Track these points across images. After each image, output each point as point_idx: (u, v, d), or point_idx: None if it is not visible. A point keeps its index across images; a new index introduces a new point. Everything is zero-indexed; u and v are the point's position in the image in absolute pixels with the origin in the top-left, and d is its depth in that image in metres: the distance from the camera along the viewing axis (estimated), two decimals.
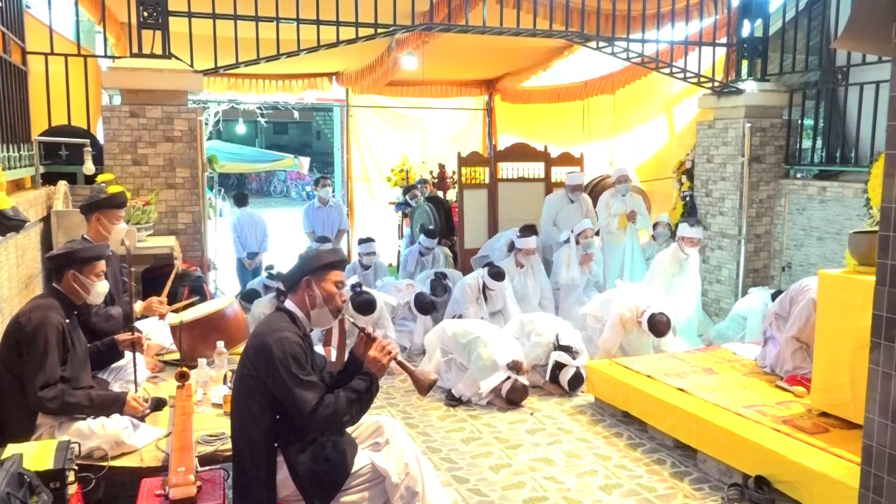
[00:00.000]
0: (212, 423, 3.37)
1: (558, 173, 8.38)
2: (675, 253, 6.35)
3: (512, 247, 6.85)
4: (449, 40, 7.52)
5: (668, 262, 6.32)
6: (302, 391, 2.62)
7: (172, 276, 4.76)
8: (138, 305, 4.28)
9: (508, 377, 5.03)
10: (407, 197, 9.28)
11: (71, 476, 2.50)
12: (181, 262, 5.42)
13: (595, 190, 8.49)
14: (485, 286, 6.30)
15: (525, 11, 6.27)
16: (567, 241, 6.94)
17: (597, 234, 7.44)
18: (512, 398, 5.06)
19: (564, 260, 6.91)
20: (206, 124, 15.16)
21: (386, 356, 2.80)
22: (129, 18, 5.49)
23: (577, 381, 5.27)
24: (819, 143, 6.83)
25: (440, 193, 9.74)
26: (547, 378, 5.36)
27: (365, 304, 5.67)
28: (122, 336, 3.62)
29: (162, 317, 4.39)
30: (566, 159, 8.55)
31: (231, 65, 5.85)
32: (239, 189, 17.96)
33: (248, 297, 6.99)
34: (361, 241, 7.75)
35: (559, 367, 5.28)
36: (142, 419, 3.34)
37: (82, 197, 4.87)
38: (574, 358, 5.30)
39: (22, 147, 4.75)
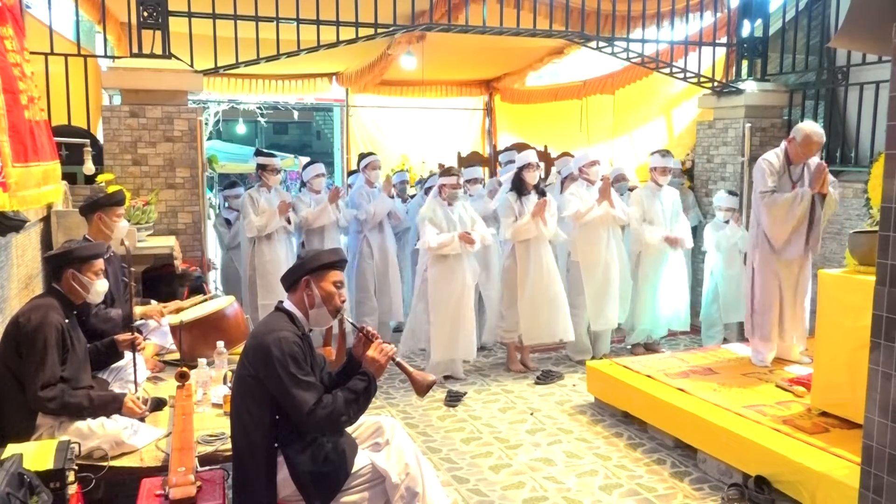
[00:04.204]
0: (212, 423, 3.37)
1: None
2: (648, 185, 6.27)
3: None
4: (448, 40, 7.52)
5: (643, 195, 6.20)
6: (300, 391, 2.62)
7: (196, 301, 4.69)
8: (139, 309, 4.28)
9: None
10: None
11: (71, 476, 2.50)
12: (181, 262, 5.42)
13: None
14: None
15: (525, 11, 6.28)
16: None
17: None
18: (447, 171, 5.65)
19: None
20: (206, 124, 15.17)
21: (384, 356, 2.81)
22: (129, 18, 5.49)
23: None
24: None
25: None
26: None
27: None
28: (122, 336, 3.62)
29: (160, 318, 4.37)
30: None
31: (231, 65, 5.86)
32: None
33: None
34: (350, 174, 8.10)
35: None
36: (142, 420, 3.34)
37: (82, 197, 4.87)
38: None
39: None
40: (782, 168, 4.74)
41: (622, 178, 7.30)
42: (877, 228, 2.38)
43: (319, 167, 6.66)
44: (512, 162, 7.20)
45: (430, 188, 7.55)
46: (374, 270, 6.59)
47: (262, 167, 6.18)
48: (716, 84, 7.03)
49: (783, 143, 4.80)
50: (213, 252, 7.81)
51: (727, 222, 6.30)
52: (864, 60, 6.11)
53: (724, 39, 7.16)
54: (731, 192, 6.38)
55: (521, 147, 8.53)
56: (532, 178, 5.83)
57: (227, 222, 7.43)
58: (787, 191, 4.71)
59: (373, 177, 6.63)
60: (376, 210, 6.50)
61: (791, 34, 6.98)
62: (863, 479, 2.38)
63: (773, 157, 4.78)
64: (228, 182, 8.18)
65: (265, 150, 6.83)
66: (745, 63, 7.14)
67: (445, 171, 5.73)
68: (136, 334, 3.63)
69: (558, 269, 6.00)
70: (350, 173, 8.30)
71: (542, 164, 5.76)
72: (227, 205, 7.62)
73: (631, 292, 6.26)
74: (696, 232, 7.15)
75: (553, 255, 6.00)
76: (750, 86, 6.85)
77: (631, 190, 7.29)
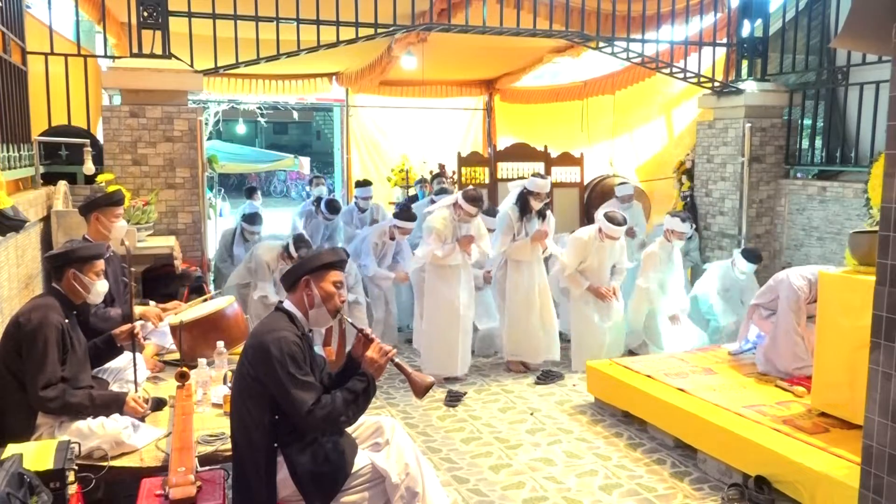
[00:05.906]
0: (212, 423, 3.37)
1: (558, 174, 8.36)
2: (662, 244, 6.16)
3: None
4: (448, 40, 7.52)
5: (659, 254, 6.10)
6: (299, 391, 2.62)
7: (196, 302, 4.71)
8: (137, 309, 4.25)
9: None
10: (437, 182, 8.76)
11: (71, 476, 2.51)
12: (181, 262, 5.42)
13: (595, 190, 8.48)
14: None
15: (525, 11, 6.27)
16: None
17: None
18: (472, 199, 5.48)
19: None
20: (206, 124, 15.15)
21: (383, 357, 2.80)
22: (129, 18, 5.49)
23: None
24: (819, 143, 6.84)
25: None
26: None
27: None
28: (119, 329, 3.56)
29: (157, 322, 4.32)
30: (566, 159, 8.54)
31: (231, 65, 5.86)
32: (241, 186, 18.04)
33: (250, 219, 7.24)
34: (359, 185, 8.01)
35: None
36: (142, 419, 3.34)
37: (82, 197, 4.88)
38: None
39: (22, 147, 4.75)
40: (811, 299, 4.71)
41: (629, 199, 7.26)
42: (877, 228, 2.38)
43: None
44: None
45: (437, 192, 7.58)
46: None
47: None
48: (716, 84, 7.03)
49: (814, 277, 4.64)
50: (213, 252, 7.78)
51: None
52: (864, 60, 6.11)
53: (724, 40, 7.15)
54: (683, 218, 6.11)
55: (519, 149, 8.57)
56: (536, 205, 5.80)
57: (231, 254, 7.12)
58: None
59: (402, 238, 6.61)
60: (378, 282, 6.51)
61: (791, 34, 6.98)
62: (863, 479, 2.38)
63: (806, 286, 4.66)
64: (249, 215, 7.32)
65: (406, 213, 6.48)
66: (745, 63, 7.14)
67: (470, 199, 5.47)
68: (134, 323, 3.57)
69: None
70: (358, 184, 8.10)
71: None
72: (241, 232, 7.15)
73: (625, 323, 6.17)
74: (696, 271, 7.07)
75: (546, 273, 6.01)
76: (750, 86, 6.85)
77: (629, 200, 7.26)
